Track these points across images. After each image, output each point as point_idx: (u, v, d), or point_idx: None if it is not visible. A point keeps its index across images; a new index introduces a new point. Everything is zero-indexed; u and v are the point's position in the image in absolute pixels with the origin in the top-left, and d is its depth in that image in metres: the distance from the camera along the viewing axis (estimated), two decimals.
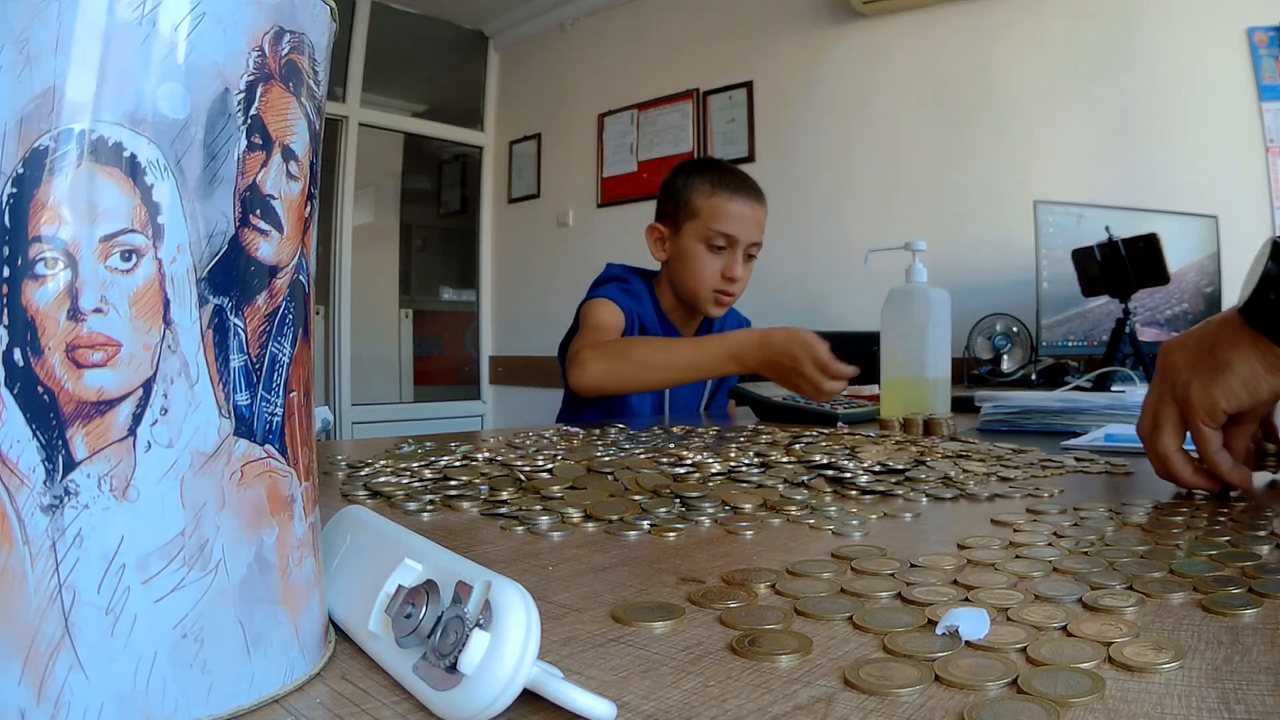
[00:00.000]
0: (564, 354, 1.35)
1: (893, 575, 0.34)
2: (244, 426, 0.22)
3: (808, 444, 0.70)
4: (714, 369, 1.15)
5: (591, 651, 0.26)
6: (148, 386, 0.20)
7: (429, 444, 0.78)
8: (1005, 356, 2.12)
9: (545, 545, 0.41)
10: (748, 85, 3.00)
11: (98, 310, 0.19)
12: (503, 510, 0.48)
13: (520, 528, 0.44)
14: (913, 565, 0.35)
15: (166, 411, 0.20)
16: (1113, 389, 1.39)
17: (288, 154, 0.22)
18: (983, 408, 1.02)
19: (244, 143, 0.21)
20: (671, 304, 1.41)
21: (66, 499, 0.19)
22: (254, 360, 0.22)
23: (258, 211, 0.22)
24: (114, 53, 0.19)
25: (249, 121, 0.21)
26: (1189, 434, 0.52)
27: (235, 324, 0.21)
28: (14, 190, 0.19)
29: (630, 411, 1.33)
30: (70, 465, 0.19)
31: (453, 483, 0.56)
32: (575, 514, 0.46)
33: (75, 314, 0.19)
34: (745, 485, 0.54)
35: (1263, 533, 0.39)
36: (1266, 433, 0.56)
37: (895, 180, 2.65)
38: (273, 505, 0.22)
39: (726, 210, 1.33)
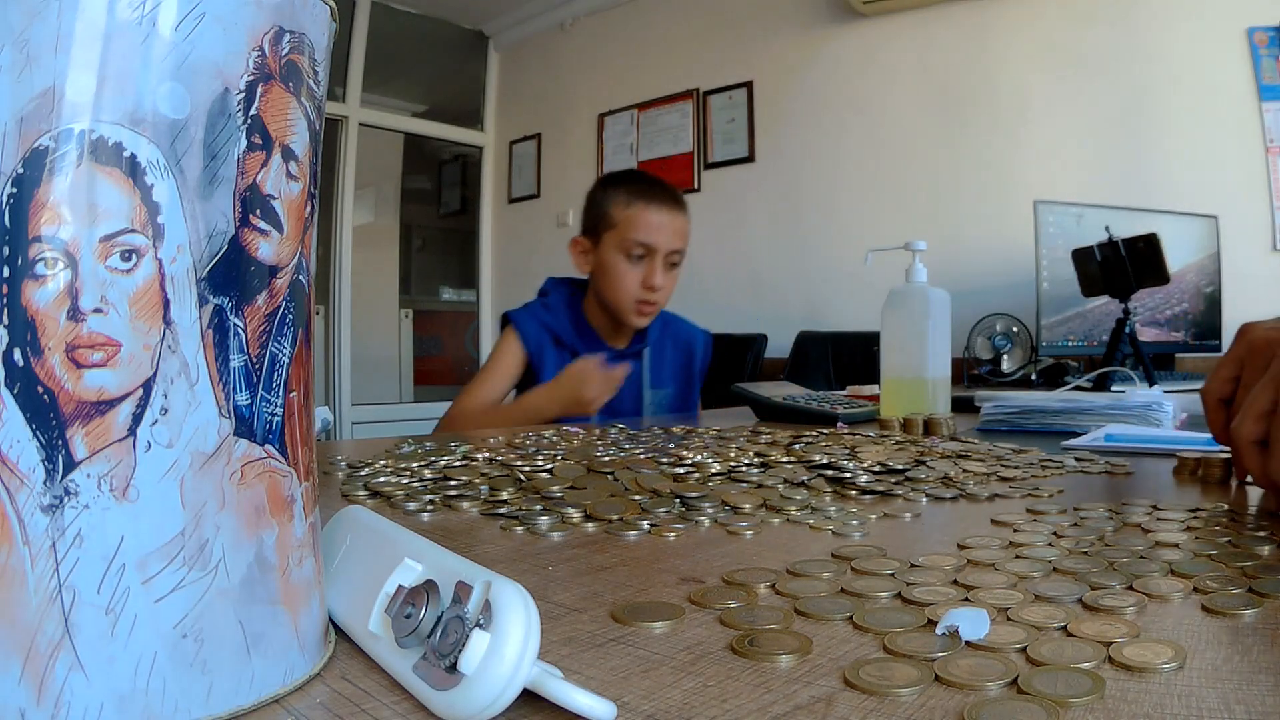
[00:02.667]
0: None
1: (893, 575, 0.33)
2: (244, 426, 0.22)
3: (808, 444, 0.70)
4: (546, 415, 1.26)
5: (591, 651, 0.26)
6: (148, 386, 0.20)
7: (429, 444, 0.78)
8: (1005, 356, 2.12)
9: (545, 545, 0.41)
10: (748, 85, 3.00)
11: (98, 310, 0.19)
12: (503, 510, 0.48)
13: (520, 528, 0.44)
14: (913, 565, 0.35)
15: (166, 411, 0.20)
16: (1113, 389, 1.39)
17: (288, 154, 0.22)
18: (983, 408, 1.02)
19: (244, 143, 0.21)
20: (600, 319, 1.42)
21: (66, 499, 0.19)
22: (254, 360, 0.22)
23: (258, 211, 0.22)
24: (114, 53, 0.19)
25: (249, 121, 0.21)
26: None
27: (235, 324, 0.21)
28: (14, 190, 0.19)
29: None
30: (70, 465, 0.19)
31: (453, 483, 0.56)
32: (575, 514, 0.46)
33: (75, 314, 0.19)
34: (745, 485, 0.54)
35: (1263, 533, 0.39)
36: None
37: (895, 180, 2.65)
38: (273, 505, 0.22)
39: (643, 219, 1.34)
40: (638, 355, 1.42)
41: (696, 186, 3.14)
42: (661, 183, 1.42)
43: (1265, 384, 0.46)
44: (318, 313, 3.19)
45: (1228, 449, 0.51)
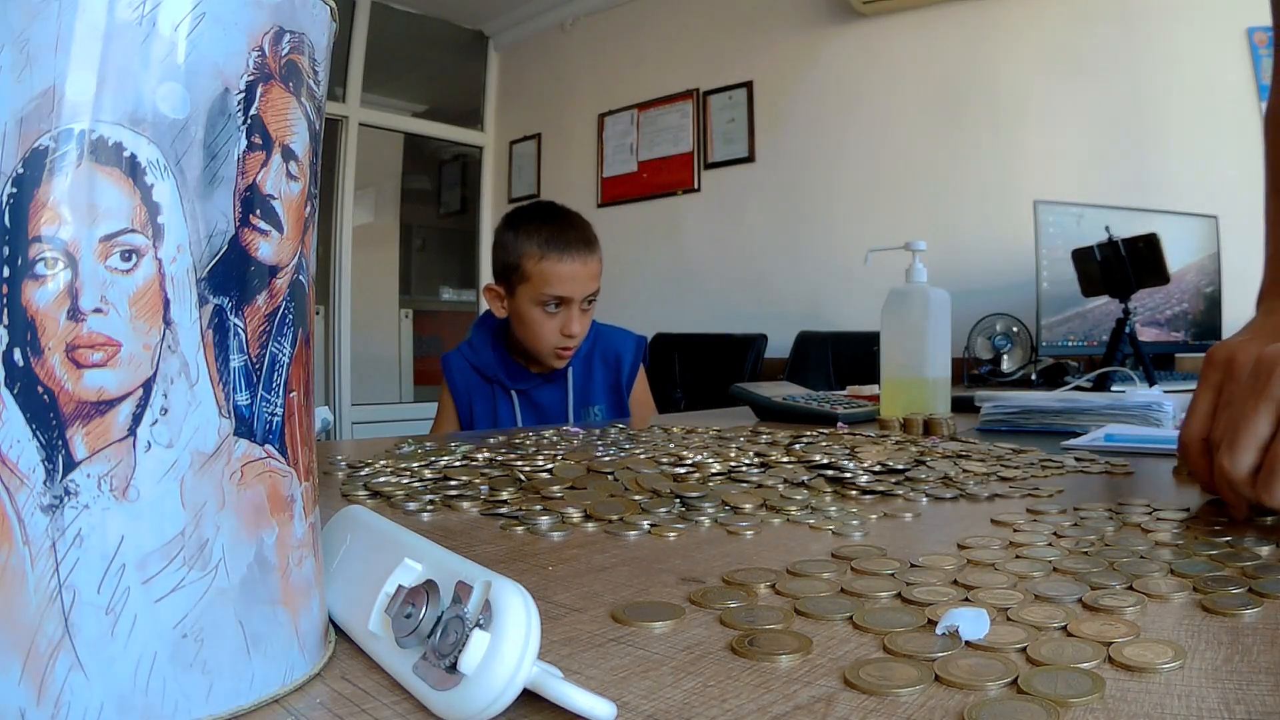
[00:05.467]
0: None
1: (893, 575, 0.33)
2: (244, 426, 0.22)
3: (808, 444, 0.70)
4: None
5: (591, 651, 0.26)
6: (148, 386, 0.20)
7: (429, 444, 0.78)
8: (1005, 356, 2.12)
9: (545, 545, 0.41)
10: (748, 85, 3.00)
11: (98, 310, 0.19)
12: (503, 510, 0.48)
13: (520, 528, 0.44)
14: (913, 565, 0.35)
15: (166, 411, 0.20)
16: (1113, 389, 1.39)
17: (288, 154, 0.22)
18: (983, 408, 1.02)
19: (244, 143, 0.21)
20: (523, 352, 1.43)
21: (66, 499, 0.19)
22: (254, 360, 0.22)
23: (258, 211, 0.22)
24: (114, 53, 0.19)
25: (249, 121, 0.21)
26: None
27: (235, 324, 0.21)
28: (14, 190, 0.19)
29: (488, 423, 1.41)
30: (70, 465, 0.19)
31: (453, 483, 0.56)
32: (575, 514, 0.46)
33: (75, 314, 0.19)
34: (745, 485, 0.54)
35: (1265, 531, 0.39)
36: None
37: (895, 180, 2.65)
38: (273, 505, 0.22)
39: (556, 273, 1.33)
40: (563, 376, 1.44)
41: (696, 186, 3.14)
42: (571, 223, 1.39)
43: (1261, 407, 0.40)
44: (318, 313, 3.19)
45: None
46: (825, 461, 0.60)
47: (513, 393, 1.40)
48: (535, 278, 1.33)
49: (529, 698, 0.21)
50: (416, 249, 3.90)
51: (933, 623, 0.27)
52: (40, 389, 0.19)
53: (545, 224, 1.37)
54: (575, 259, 1.34)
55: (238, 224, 0.21)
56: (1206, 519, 0.43)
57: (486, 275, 3.87)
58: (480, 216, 3.87)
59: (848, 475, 0.56)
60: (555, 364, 1.39)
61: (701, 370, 2.62)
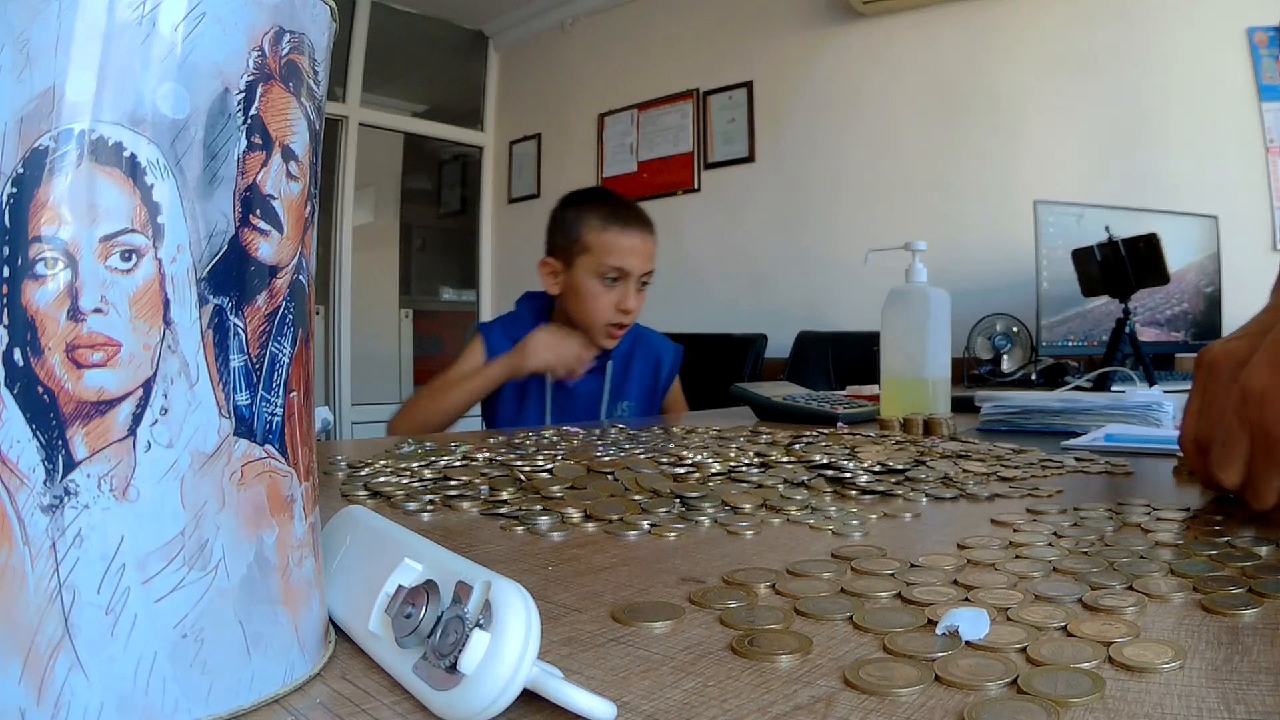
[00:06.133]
0: None
1: (893, 575, 0.33)
2: (244, 426, 0.22)
3: (808, 444, 0.70)
4: (496, 381, 1.33)
5: (591, 651, 0.26)
6: (148, 386, 0.20)
7: (429, 444, 0.78)
8: (1005, 356, 2.12)
9: (545, 545, 0.41)
10: (748, 85, 3.00)
11: (98, 310, 0.19)
12: (503, 510, 0.48)
13: (520, 528, 0.44)
14: (913, 565, 0.35)
15: (166, 411, 0.20)
16: (1113, 389, 1.39)
17: (288, 154, 0.22)
18: (983, 408, 1.02)
19: (244, 143, 0.21)
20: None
21: (66, 499, 0.19)
22: (254, 360, 0.22)
23: (258, 211, 0.22)
24: (114, 53, 0.19)
25: (249, 121, 0.21)
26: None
27: (235, 324, 0.21)
28: (14, 190, 0.19)
29: (509, 421, 1.43)
30: (70, 465, 0.19)
31: (453, 483, 0.56)
32: (575, 514, 0.46)
33: (75, 314, 0.19)
34: (745, 485, 0.54)
35: (1261, 535, 0.39)
36: None
37: (895, 180, 2.65)
38: (273, 505, 0.22)
39: (619, 245, 1.36)
40: (601, 369, 1.44)
41: (696, 186, 3.14)
42: (631, 203, 1.45)
43: (1237, 430, 0.43)
44: (318, 313, 3.19)
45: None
46: (825, 461, 0.60)
47: (546, 375, 1.40)
48: (596, 248, 1.36)
49: (529, 698, 0.21)
50: (416, 249, 3.90)
51: (933, 623, 0.27)
52: (40, 389, 0.19)
53: (606, 202, 1.43)
54: (636, 234, 1.38)
55: (238, 224, 0.21)
56: (1206, 519, 0.43)
57: (487, 275, 3.88)
58: (480, 216, 3.87)
59: (848, 475, 0.56)
60: (606, 343, 1.39)
61: (701, 370, 2.62)
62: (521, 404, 1.41)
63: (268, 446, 0.22)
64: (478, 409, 1.46)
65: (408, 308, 3.79)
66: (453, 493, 0.52)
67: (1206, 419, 0.48)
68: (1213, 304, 2.02)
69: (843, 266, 2.69)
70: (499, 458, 0.64)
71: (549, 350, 1.32)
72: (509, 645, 0.20)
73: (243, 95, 0.21)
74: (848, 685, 0.23)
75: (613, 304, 1.36)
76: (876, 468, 0.59)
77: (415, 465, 0.62)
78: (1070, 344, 1.93)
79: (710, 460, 0.60)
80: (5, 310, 0.19)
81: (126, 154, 0.19)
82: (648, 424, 1.01)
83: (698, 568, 0.36)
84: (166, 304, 0.20)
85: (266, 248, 0.22)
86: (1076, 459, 0.66)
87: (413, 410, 1.36)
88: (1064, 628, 0.27)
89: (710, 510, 0.47)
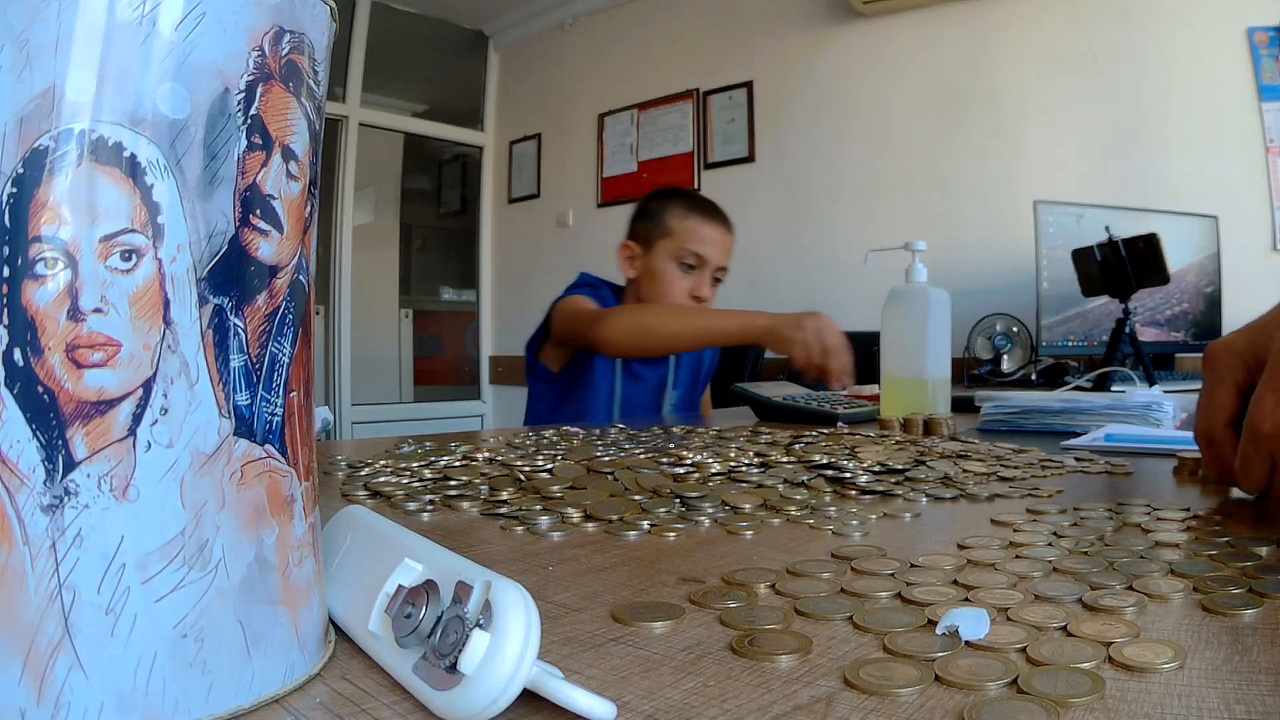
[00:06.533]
0: (532, 351, 1.43)
1: (893, 575, 0.33)
2: (244, 426, 0.22)
3: (808, 444, 0.70)
4: (726, 335, 1.26)
5: (591, 651, 0.26)
6: (148, 386, 0.20)
7: (429, 444, 0.78)
8: (1005, 356, 2.12)
9: (545, 545, 0.41)
10: (748, 85, 3.00)
11: (98, 310, 0.19)
12: (503, 510, 0.48)
13: (520, 528, 0.44)
14: (913, 565, 0.35)
15: (166, 411, 0.20)
16: (1113, 389, 1.39)
17: (288, 154, 0.22)
18: (983, 408, 1.02)
19: (244, 143, 0.21)
20: None
21: (66, 499, 0.19)
22: (254, 360, 0.22)
23: (258, 211, 0.22)
24: (114, 52, 0.19)
25: (249, 121, 0.21)
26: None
27: (235, 324, 0.21)
28: (14, 190, 0.19)
29: (589, 410, 1.38)
30: (70, 465, 0.19)
31: (453, 483, 0.56)
32: (575, 514, 0.46)
33: (75, 314, 0.19)
34: (745, 485, 0.54)
35: (1261, 536, 0.39)
36: None
37: (895, 180, 2.65)
38: (273, 505, 0.22)
39: (700, 232, 1.42)
40: (665, 357, 1.48)
41: (696, 186, 3.14)
42: (715, 203, 1.51)
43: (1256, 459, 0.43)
44: (318, 313, 3.19)
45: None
46: (825, 461, 0.60)
47: (617, 363, 1.42)
48: (678, 233, 1.41)
49: (529, 698, 0.21)
50: (416, 249, 3.90)
51: (933, 623, 0.27)
52: (40, 389, 0.19)
53: (692, 196, 1.50)
54: (718, 227, 1.45)
55: (238, 224, 0.21)
56: (1206, 519, 0.43)
57: (487, 275, 3.88)
58: (480, 216, 3.87)
59: (848, 475, 0.56)
60: None
61: None
62: (591, 387, 1.43)
63: (268, 446, 0.22)
64: (521, 396, 1.46)
65: (408, 308, 3.79)
66: (453, 493, 0.52)
67: (1206, 413, 0.49)
68: (1213, 304, 2.01)
69: (843, 266, 2.69)
70: (499, 458, 0.64)
71: (834, 336, 1.20)
72: (509, 645, 0.20)
73: (243, 95, 0.21)
74: (848, 685, 0.23)
75: (687, 289, 1.40)
76: (876, 468, 0.59)
77: (415, 465, 0.62)
78: (1070, 344, 1.93)
79: (710, 460, 0.60)
80: (5, 310, 0.19)
81: (126, 154, 0.19)
82: (647, 424, 1.01)
83: (698, 568, 0.36)
84: (166, 304, 0.20)
85: (266, 248, 0.22)
86: (1076, 459, 0.66)
87: (640, 318, 1.29)
88: (1064, 628, 0.27)
89: (710, 510, 0.47)
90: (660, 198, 1.49)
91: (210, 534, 0.21)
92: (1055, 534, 0.40)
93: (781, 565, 0.36)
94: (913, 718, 0.21)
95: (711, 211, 1.45)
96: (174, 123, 0.20)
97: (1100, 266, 1.62)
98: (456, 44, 3.82)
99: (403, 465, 0.62)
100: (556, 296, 1.47)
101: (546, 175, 3.62)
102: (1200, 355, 0.48)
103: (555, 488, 0.52)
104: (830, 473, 0.57)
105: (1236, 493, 0.51)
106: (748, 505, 0.48)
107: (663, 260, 1.41)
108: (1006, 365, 2.11)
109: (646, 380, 1.49)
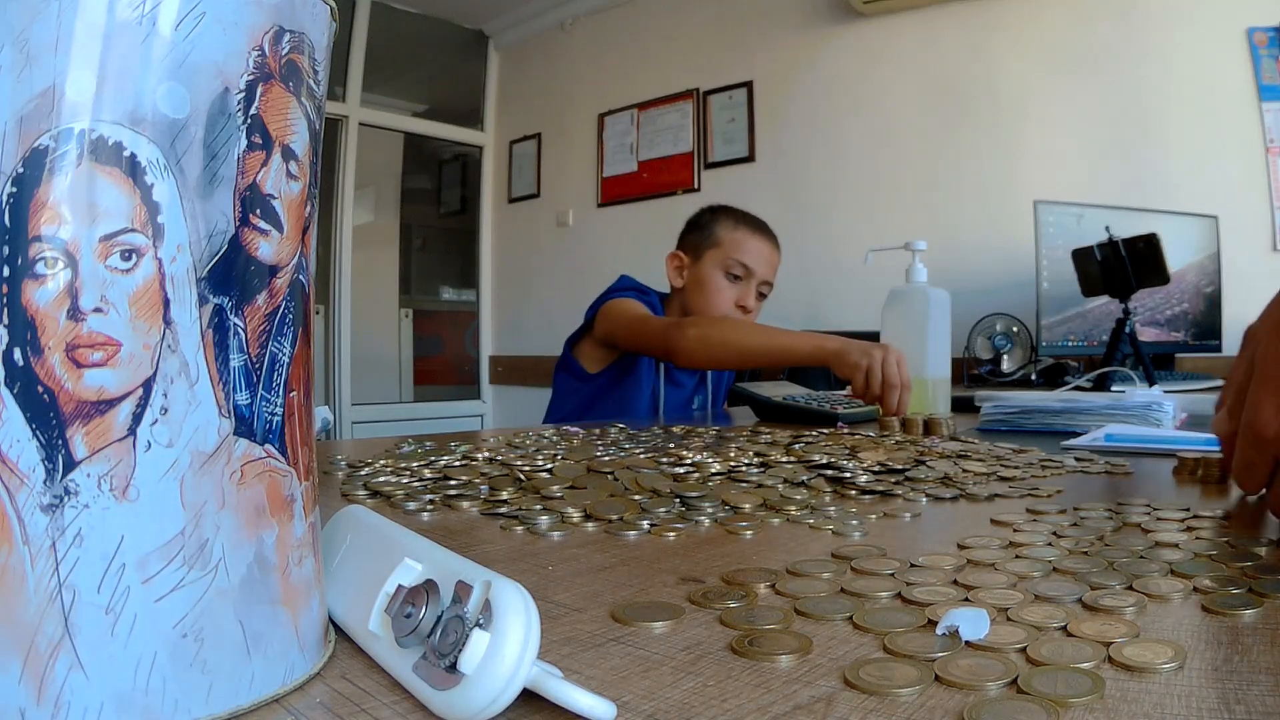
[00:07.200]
0: (569, 348, 1.45)
1: (893, 575, 0.33)
2: (244, 426, 0.22)
3: (808, 444, 0.70)
4: (800, 355, 1.25)
5: (591, 651, 0.26)
6: (148, 386, 0.20)
7: (429, 444, 0.78)
8: (1005, 356, 2.12)
9: (545, 545, 0.41)
10: (748, 85, 3.00)
11: (98, 310, 0.19)
12: (503, 510, 0.48)
13: (520, 527, 0.44)
14: (913, 565, 0.35)
15: (166, 411, 0.20)
16: (1113, 389, 1.39)
17: (288, 154, 0.22)
18: (983, 408, 1.02)
19: (244, 142, 0.21)
20: None
21: (66, 498, 0.19)
22: (254, 360, 0.22)
23: (258, 211, 0.22)
24: (114, 52, 0.19)
25: (249, 121, 0.21)
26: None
27: (235, 324, 0.21)
28: (14, 190, 0.19)
29: (628, 412, 1.38)
30: (70, 465, 0.19)
31: (453, 482, 0.56)
32: (575, 514, 0.46)
33: (75, 313, 0.19)
34: (745, 485, 0.54)
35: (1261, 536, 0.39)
36: None
37: (895, 180, 2.65)
38: (273, 505, 0.22)
39: (747, 244, 1.46)
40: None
41: (696, 186, 3.14)
42: (763, 220, 1.54)
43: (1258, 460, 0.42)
44: (318, 313, 3.19)
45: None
46: (825, 461, 0.60)
47: (657, 367, 1.46)
48: (727, 243, 1.45)
49: (529, 698, 0.21)
50: (416, 249, 3.90)
51: (933, 623, 0.27)
52: (40, 388, 0.19)
53: (741, 211, 1.53)
54: (765, 240, 1.48)
55: (238, 224, 0.21)
56: (1206, 519, 0.43)
57: (487, 275, 3.88)
58: (480, 216, 3.87)
59: (848, 475, 0.56)
60: None
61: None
62: (635, 389, 1.46)
63: (268, 446, 0.22)
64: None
65: (408, 307, 3.79)
66: (453, 492, 0.52)
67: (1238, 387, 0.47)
68: (1213, 304, 2.01)
69: (843, 266, 2.69)
70: (499, 457, 0.64)
71: (895, 371, 1.11)
72: (509, 645, 0.20)
73: (243, 95, 0.21)
74: (848, 685, 0.23)
75: (732, 299, 1.44)
76: (876, 468, 0.59)
77: (415, 465, 0.62)
78: (1070, 344, 1.93)
79: (710, 460, 0.60)
80: (5, 310, 0.19)
81: (126, 153, 0.19)
82: (647, 424, 1.01)
83: (698, 568, 0.36)
84: (166, 303, 0.20)
85: (266, 247, 0.22)
86: (1076, 459, 0.66)
87: (718, 332, 1.27)
88: (1064, 628, 0.27)
89: (710, 510, 0.47)
90: (711, 211, 1.53)
91: (210, 534, 0.21)
92: (1055, 534, 0.40)
93: (781, 565, 0.36)
94: (913, 718, 0.21)
95: (759, 225, 1.50)
96: (174, 122, 0.20)
97: (1100, 266, 1.62)
98: (456, 44, 3.82)
99: (403, 465, 0.62)
100: (598, 297, 1.49)
101: (546, 175, 3.62)
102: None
103: (555, 487, 0.52)
104: (830, 473, 0.57)
105: (1236, 492, 0.51)
106: (748, 505, 0.48)
107: (710, 269, 1.45)
108: (1006, 365, 2.11)
109: (685, 386, 1.53)
